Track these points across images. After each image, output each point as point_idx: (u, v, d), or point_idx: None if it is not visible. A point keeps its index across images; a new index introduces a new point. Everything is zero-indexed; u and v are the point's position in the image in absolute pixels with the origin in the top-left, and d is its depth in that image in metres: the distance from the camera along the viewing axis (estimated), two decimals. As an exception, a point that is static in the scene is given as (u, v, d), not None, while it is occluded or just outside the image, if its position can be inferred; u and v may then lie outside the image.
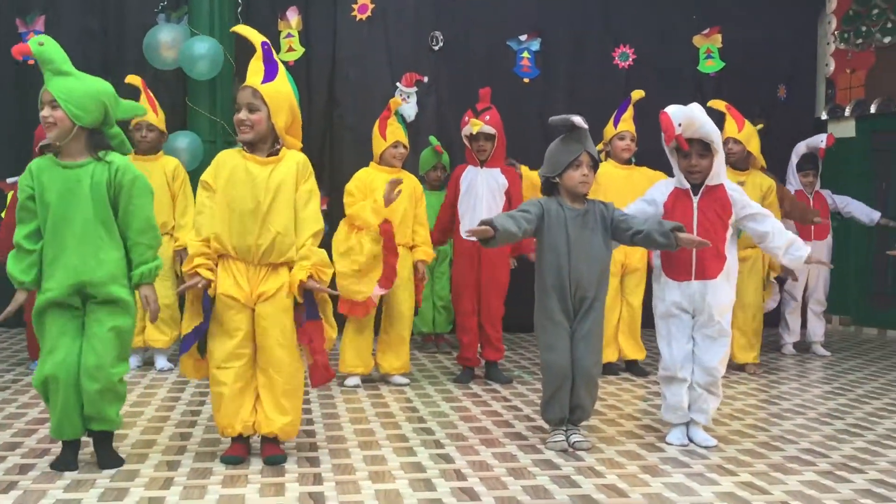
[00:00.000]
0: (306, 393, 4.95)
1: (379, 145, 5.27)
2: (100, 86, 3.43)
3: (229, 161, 3.54)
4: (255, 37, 3.61)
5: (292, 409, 3.57)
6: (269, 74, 3.48)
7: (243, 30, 3.73)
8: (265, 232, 3.45)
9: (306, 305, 3.52)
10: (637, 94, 5.78)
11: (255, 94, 3.46)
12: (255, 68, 3.51)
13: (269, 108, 3.47)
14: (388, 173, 5.21)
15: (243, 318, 3.49)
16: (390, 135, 5.24)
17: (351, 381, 5.20)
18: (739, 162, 5.79)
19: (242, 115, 3.47)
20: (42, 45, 3.36)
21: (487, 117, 5.28)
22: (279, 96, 3.49)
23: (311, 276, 3.46)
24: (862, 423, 4.49)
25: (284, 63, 7.08)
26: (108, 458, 3.47)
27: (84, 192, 3.35)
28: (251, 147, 3.53)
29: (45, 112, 3.33)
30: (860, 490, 3.36)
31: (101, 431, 3.47)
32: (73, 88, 3.35)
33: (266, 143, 3.54)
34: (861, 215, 7.11)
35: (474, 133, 5.25)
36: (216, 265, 3.50)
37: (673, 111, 3.88)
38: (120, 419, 3.53)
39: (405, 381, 5.30)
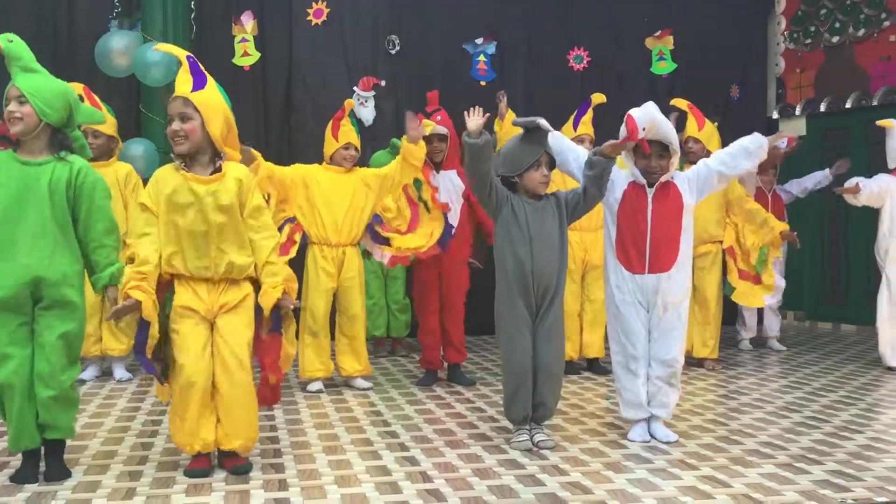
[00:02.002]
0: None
1: (330, 146, 5.25)
2: (66, 87, 3.43)
3: (169, 181, 3.42)
4: (179, 52, 3.56)
5: (250, 423, 3.48)
6: (198, 83, 3.40)
7: (166, 47, 3.72)
8: (221, 254, 3.40)
9: (273, 319, 3.47)
10: (598, 98, 5.83)
11: (186, 102, 3.37)
12: (183, 79, 3.42)
13: (203, 116, 3.37)
14: (334, 172, 5.20)
15: (203, 330, 3.41)
16: (342, 136, 5.22)
17: (313, 387, 5.18)
18: (700, 160, 5.86)
19: (175, 125, 3.37)
20: (11, 42, 3.36)
21: (439, 118, 5.30)
22: (212, 104, 3.41)
23: (284, 293, 3.42)
24: (819, 416, 4.58)
25: (240, 68, 7.17)
26: (56, 469, 3.42)
27: (42, 190, 3.30)
28: (189, 161, 3.43)
29: (12, 107, 3.30)
30: (819, 481, 3.42)
31: (54, 441, 3.42)
32: (42, 85, 3.34)
33: (205, 156, 3.44)
34: (817, 183, 7.22)
35: (427, 134, 5.25)
36: (166, 283, 3.40)
37: (638, 114, 3.93)
38: (74, 428, 3.49)
39: (367, 384, 5.30)
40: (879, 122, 6.07)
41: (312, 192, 5.14)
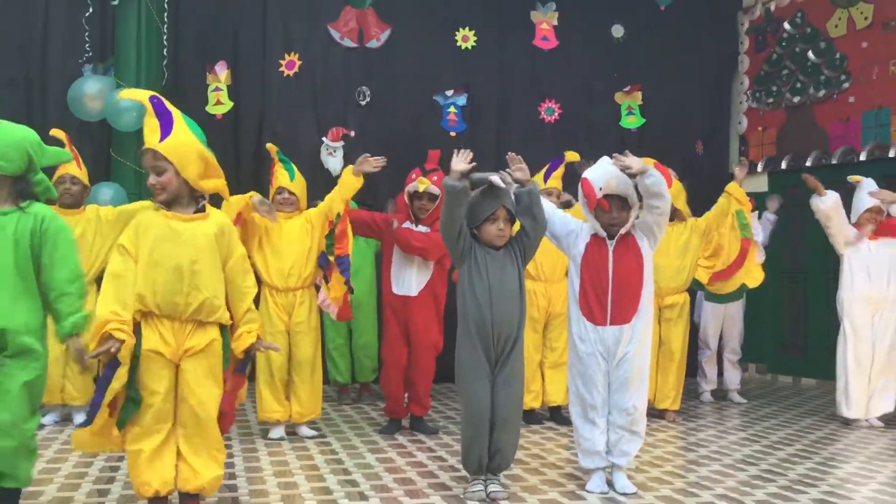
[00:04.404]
0: (229, 447, 4.90)
1: (271, 192, 5.36)
2: (23, 133, 3.40)
3: (151, 222, 3.46)
4: (142, 95, 3.56)
5: (216, 464, 3.52)
6: (165, 129, 3.43)
7: (129, 93, 3.74)
8: (194, 292, 3.42)
9: (242, 361, 3.58)
10: (571, 156, 5.94)
11: (156, 155, 3.41)
12: (151, 126, 3.45)
13: (175, 164, 3.41)
14: (280, 218, 5.24)
15: (167, 374, 3.43)
16: (275, 181, 5.33)
17: (275, 434, 5.17)
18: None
19: (152, 179, 3.43)
20: None
21: (435, 178, 5.35)
22: (182, 148, 3.43)
23: (258, 338, 3.55)
24: (775, 469, 4.64)
25: (212, 116, 7.24)
26: None
27: (7, 240, 3.31)
28: (169, 205, 3.48)
29: None
30: (770, 533, 3.48)
31: (8, 490, 3.38)
32: None
33: (185, 198, 3.49)
34: (766, 228, 7.36)
35: (420, 191, 5.32)
36: (135, 325, 3.41)
37: (592, 177, 4.04)
38: (31, 476, 3.46)
39: (312, 432, 5.27)
40: (851, 178, 6.23)
41: (262, 239, 5.21)
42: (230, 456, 4.66)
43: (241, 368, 3.61)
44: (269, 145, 5.43)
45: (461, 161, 3.90)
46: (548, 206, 4.24)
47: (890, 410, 6.01)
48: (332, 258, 5.30)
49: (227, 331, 3.56)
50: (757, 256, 6.39)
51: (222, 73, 7.37)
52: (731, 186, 6.01)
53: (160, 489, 3.44)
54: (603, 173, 4.07)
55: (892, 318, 6.02)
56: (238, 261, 3.56)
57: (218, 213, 3.61)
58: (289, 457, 4.73)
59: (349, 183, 5.21)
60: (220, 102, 7.37)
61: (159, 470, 3.43)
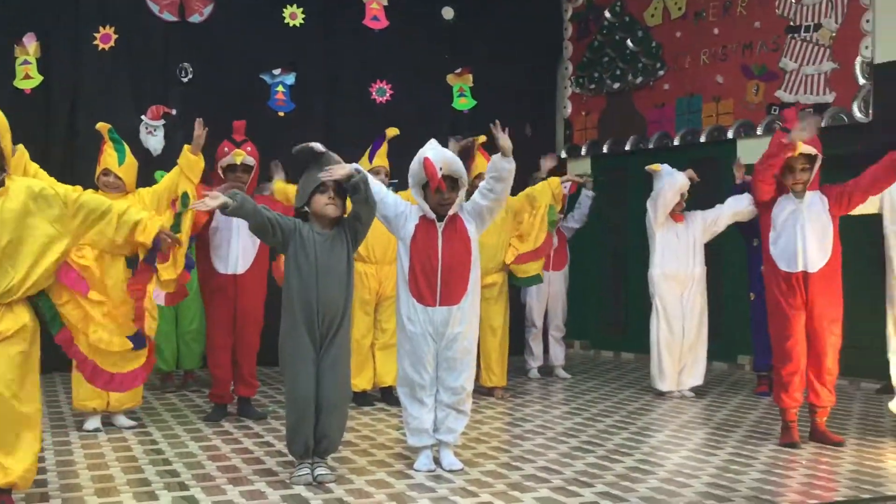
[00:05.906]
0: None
1: (97, 172, 5.08)
2: None
3: None
4: None
5: (29, 455, 3.31)
6: None
7: None
8: (2, 273, 3.20)
9: (150, 251, 3.68)
10: (391, 132, 5.93)
11: None
12: None
13: None
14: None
15: None
16: (101, 161, 5.04)
17: (90, 425, 4.91)
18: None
19: None
20: None
21: (249, 148, 5.24)
22: (1, 119, 3.28)
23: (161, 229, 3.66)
24: (594, 440, 4.83)
25: (20, 91, 6.78)
26: None
27: None
28: None
29: None
30: (588, 503, 3.61)
31: None
32: None
33: None
34: (582, 204, 7.62)
35: (237, 163, 5.18)
36: None
37: (433, 156, 4.04)
38: None
39: (130, 423, 5.05)
40: (648, 168, 6.50)
41: None
42: (42, 450, 4.40)
43: (150, 258, 3.68)
44: (100, 124, 5.11)
45: (210, 201, 3.75)
46: (378, 187, 4.22)
47: (699, 384, 6.37)
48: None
49: (45, 296, 3.42)
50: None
51: (31, 45, 6.88)
52: (554, 182, 6.21)
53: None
54: (439, 153, 4.08)
55: (699, 295, 6.37)
56: (76, 202, 3.38)
57: (20, 180, 3.37)
58: (104, 448, 4.51)
59: (190, 162, 4.97)
60: (28, 76, 6.89)
61: None
